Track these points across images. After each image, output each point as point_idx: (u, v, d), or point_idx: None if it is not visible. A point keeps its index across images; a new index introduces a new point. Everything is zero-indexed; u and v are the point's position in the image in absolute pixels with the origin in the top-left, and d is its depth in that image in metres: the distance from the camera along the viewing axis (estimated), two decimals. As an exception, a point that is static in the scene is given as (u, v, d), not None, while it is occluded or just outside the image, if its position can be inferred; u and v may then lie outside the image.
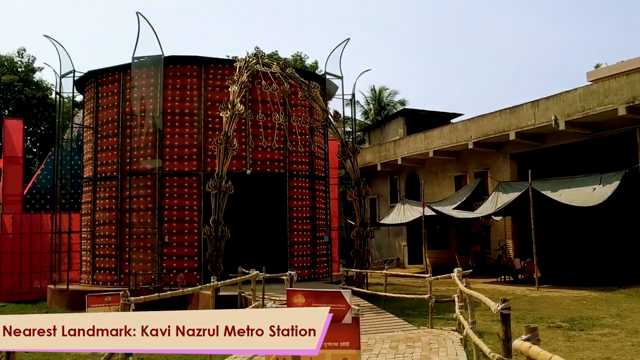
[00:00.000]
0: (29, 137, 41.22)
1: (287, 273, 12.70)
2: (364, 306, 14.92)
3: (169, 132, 19.20)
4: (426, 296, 13.16)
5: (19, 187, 23.51)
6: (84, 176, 21.15)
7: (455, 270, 12.02)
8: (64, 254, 21.13)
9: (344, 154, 17.59)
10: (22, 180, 23.66)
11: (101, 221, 19.86)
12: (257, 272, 12.43)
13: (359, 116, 51.98)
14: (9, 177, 23.40)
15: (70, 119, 24.21)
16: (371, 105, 50.18)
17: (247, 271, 15.45)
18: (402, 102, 49.69)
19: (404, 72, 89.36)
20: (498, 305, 5.39)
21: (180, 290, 10.43)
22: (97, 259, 19.81)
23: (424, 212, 26.54)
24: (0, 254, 22.79)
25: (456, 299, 12.40)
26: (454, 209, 27.64)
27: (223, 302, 13.31)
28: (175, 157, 19.12)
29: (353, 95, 22.54)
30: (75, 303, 17.77)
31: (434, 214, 27.15)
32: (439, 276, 13.53)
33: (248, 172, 19.09)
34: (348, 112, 43.31)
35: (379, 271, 17.89)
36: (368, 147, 38.49)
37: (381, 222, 32.72)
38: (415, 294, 21.36)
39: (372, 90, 50.92)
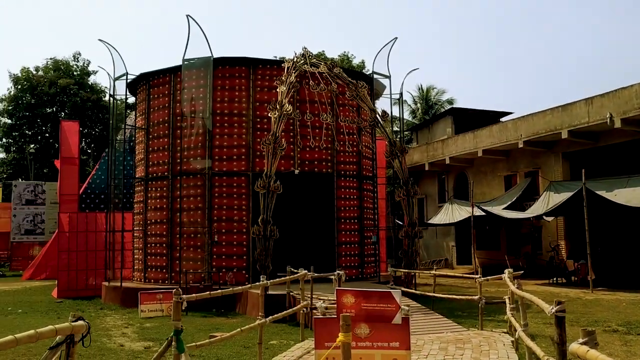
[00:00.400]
0: (84, 139, 42.59)
1: (335, 273, 12.74)
2: (412, 307, 14.80)
3: (218, 133, 19.44)
4: (476, 297, 12.98)
5: (75, 187, 24.18)
6: (136, 176, 21.60)
7: (506, 271, 11.82)
8: (117, 252, 21.63)
9: (392, 154, 17.50)
10: (78, 180, 24.34)
11: (152, 220, 20.24)
12: (305, 271, 12.48)
13: (406, 115, 51.70)
14: (66, 178, 24.09)
15: (123, 121, 24.74)
16: (419, 105, 49.78)
17: (295, 270, 15.57)
18: (450, 101, 49.19)
19: (452, 70, 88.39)
20: (552, 308, 5.27)
21: (231, 289, 10.55)
22: (148, 257, 20.20)
23: (473, 212, 26.27)
24: (58, 252, 23.51)
25: (507, 300, 12.19)
26: (504, 209, 27.25)
27: (271, 302, 13.39)
28: (225, 157, 19.35)
29: (401, 94, 22.39)
30: (128, 300, 18.22)
31: (483, 214, 26.90)
32: (489, 277, 13.32)
33: (296, 172, 19.18)
34: (396, 112, 43.12)
35: (427, 272, 17.74)
36: (415, 146, 38.22)
37: (429, 222, 32.54)
38: (464, 294, 21.20)
39: (419, 89, 50.54)
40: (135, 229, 21.29)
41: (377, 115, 17.69)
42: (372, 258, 21.43)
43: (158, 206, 20.13)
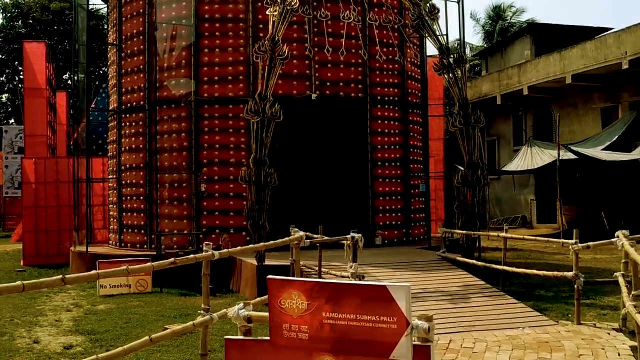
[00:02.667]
0: (61, 64, 39.33)
1: (348, 236, 9.17)
2: (472, 286, 11.26)
3: (207, 46, 15.91)
4: (570, 274, 9.23)
5: (43, 125, 21.24)
6: (109, 109, 18.39)
7: (620, 233, 8.17)
8: (93, 208, 18.77)
9: (443, 66, 13.60)
10: (47, 117, 21.34)
11: (127, 165, 17.07)
12: (302, 233, 8.91)
13: (478, 41, 47.19)
14: (32, 114, 21.19)
15: (92, 36, 21.47)
16: (496, 27, 45.14)
17: (310, 235, 12.15)
18: (532, 23, 44.39)
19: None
20: None
21: (210, 253, 7.10)
22: (124, 214, 17.12)
23: (559, 155, 22.48)
24: (22, 209, 20.77)
25: (621, 278, 8.55)
26: (602, 150, 23.30)
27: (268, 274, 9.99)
28: (216, 78, 15.83)
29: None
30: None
31: (574, 158, 23.54)
32: (591, 243, 9.49)
33: (314, 97, 15.64)
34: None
35: (496, 233, 13.96)
36: (485, 75, 34.12)
37: (503, 169, 29.43)
38: (548, 264, 17.47)
39: (493, 9, 45.80)
40: (109, 177, 18.20)
41: (424, 11, 13.73)
42: (421, 215, 17.75)
43: (134, 147, 16.91)
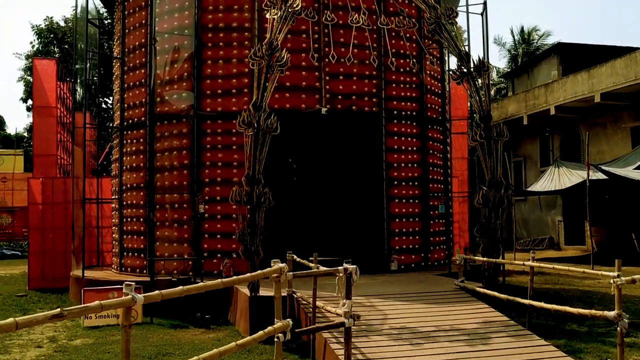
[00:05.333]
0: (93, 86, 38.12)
1: (340, 268, 7.28)
2: (493, 322, 9.30)
3: (210, 57, 14.27)
4: (611, 314, 7.19)
5: (52, 144, 19.73)
6: (113, 125, 16.80)
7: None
8: (91, 229, 17.21)
9: (462, 74, 11.68)
10: (56, 136, 19.84)
11: (128, 185, 15.43)
12: (281, 265, 7.01)
13: (502, 64, 45.20)
14: (41, 133, 19.73)
15: (96, 48, 19.93)
16: (520, 50, 43.07)
17: (300, 260, 10.36)
18: (558, 46, 42.24)
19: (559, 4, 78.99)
20: None
21: (201, 284, 5.42)
22: (125, 237, 15.46)
23: (588, 175, 20.41)
24: (28, 229, 19.25)
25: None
26: (635, 169, 21.12)
27: (267, 307, 8.28)
28: (219, 91, 14.16)
29: (484, 4, 16.44)
30: (92, 297, 13.49)
31: (603, 177, 21.78)
32: (636, 277, 7.47)
33: (324, 111, 13.86)
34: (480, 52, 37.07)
35: (522, 261, 11.87)
36: (511, 96, 32.11)
37: (529, 189, 27.52)
38: (578, 289, 15.30)
39: (520, 32, 43.82)
40: (107, 198, 16.59)
41: (440, 13, 11.83)
42: (441, 238, 15.75)
43: (134, 165, 15.27)
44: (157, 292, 4.76)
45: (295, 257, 10.41)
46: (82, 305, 4.37)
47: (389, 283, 12.39)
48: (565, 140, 29.76)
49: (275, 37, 10.88)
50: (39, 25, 40.75)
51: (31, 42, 42.50)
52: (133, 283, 4.60)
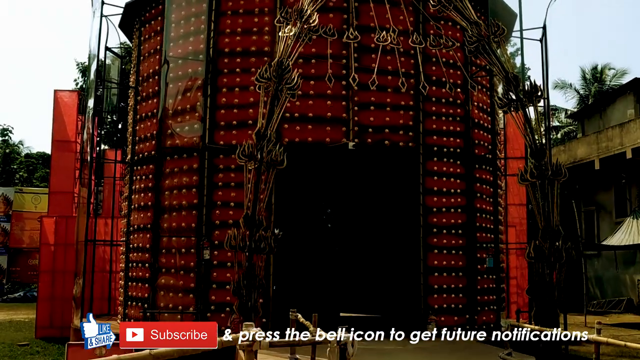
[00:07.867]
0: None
1: (330, 337, 5.78)
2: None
3: (225, 84, 13.15)
4: None
5: (70, 181, 18.98)
6: (125, 160, 15.87)
7: None
8: (104, 274, 16.15)
9: (508, 100, 10.11)
10: (74, 173, 19.12)
11: (135, 226, 14.33)
12: (256, 331, 5.55)
13: (570, 105, 42.98)
14: (58, 168, 19.05)
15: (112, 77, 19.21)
16: (592, 89, 40.93)
17: (303, 321, 8.92)
18: (635, 86, 39.99)
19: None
20: None
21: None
22: (130, 284, 14.29)
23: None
24: (39, 272, 18.38)
25: None
26: None
27: None
28: (234, 122, 12.96)
29: (544, 28, 14.94)
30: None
31: None
32: None
33: (351, 145, 12.47)
34: (533, 62, 35.35)
35: (586, 331, 9.95)
36: (581, 137, 30.16)
37: (603, 243, 25.70)
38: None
39: (592, 69, 41.66)
40: (114, 241, 15.57)
41: (484, 31, 10.35)
42: (491, 297, 13.94)
43: (142, 204, 14.19)
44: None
45: (299, 316, 8.95)
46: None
47: (420, 350, 10.69)
48: (645, 187, 27.65)
49: (286, 56, 9.65)
50: (84, 62, 41.35)
51: (75, 80, 43.06)
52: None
